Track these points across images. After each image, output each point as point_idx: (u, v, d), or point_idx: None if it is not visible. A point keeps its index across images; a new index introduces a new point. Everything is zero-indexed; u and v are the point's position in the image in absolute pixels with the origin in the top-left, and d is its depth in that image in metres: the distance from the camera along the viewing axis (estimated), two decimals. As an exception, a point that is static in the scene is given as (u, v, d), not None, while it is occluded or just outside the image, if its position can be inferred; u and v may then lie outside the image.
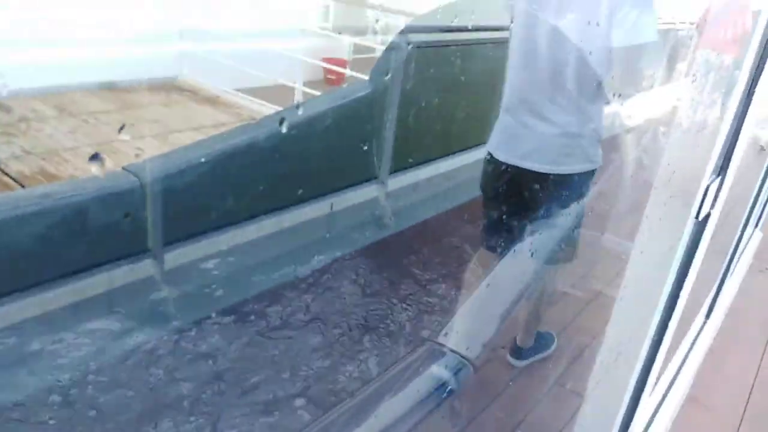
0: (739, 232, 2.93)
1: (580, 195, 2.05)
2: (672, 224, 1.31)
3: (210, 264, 2.39)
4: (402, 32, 2.85)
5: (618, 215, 2.45)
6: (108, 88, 4.60)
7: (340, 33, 5.46)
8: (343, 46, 5.62)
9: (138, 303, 2.28)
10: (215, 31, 4.87)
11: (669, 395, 2.17)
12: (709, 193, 1.26)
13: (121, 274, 2.18)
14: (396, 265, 3.03)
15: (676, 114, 1.33)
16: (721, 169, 1.33)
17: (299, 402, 2.14)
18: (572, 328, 2.64)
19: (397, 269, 3.00)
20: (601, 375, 1.59)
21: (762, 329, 3.11)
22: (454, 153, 3.55)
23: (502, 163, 2.01)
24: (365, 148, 2.94)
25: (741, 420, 2.36)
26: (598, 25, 1.76)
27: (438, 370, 2.18)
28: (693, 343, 2.53)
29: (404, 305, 2.79)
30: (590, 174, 2.01)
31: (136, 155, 3.28)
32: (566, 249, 2.22)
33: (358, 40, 5.58)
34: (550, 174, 1.97)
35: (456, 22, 2.85)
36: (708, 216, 1.35)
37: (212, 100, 5.02)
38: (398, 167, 3.12)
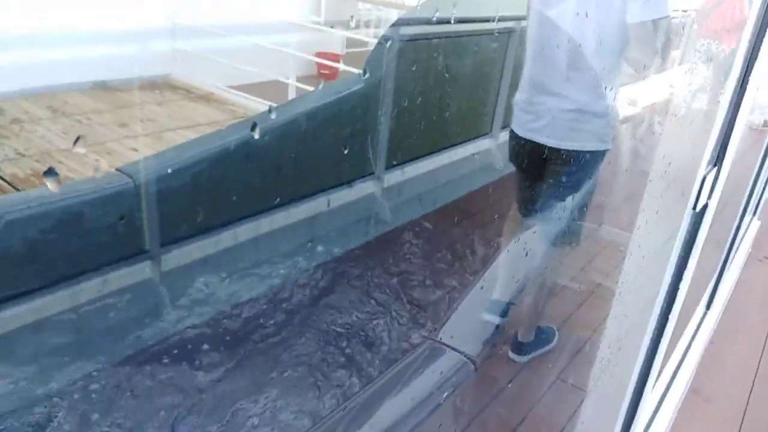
0: (737, 221, 2.91)
1: (588, 175, 2.08)
2: (669, 216, 1.29)
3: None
4: (394, 25, 2.82)
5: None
6: (101, 88, 4.57)
7: (332, 27, 5.42)
8: (336, 40, 5.58)
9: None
10: (207, 28, 4.83)
11: (672, 388, 2.15)
12: (705, 184, 1.24)
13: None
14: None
15: (670, 104, 1.30)
16: (717, 160, 1.31)
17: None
18: (572, 322, 2.62)
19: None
20: (602, 370, 1.57)
21: (762, 319, 3.09)
22: (448, 147, 3.53)
23: (521, 138, 2.09)
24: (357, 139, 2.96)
25: (744, 411, 2.35)
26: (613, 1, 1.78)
27: (439, 368, 2.17)
28: (694, 335, 2.52)
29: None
30: (600, 154, 2.03)
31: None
32: (569, 233, 2.24)
33: (350, 33, 5.54)
34: (560, 149, 2.02)
35: (455, 13, 2.85)
36: (705, 207, 1.33)
37: (206, 98, 4.98)
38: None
